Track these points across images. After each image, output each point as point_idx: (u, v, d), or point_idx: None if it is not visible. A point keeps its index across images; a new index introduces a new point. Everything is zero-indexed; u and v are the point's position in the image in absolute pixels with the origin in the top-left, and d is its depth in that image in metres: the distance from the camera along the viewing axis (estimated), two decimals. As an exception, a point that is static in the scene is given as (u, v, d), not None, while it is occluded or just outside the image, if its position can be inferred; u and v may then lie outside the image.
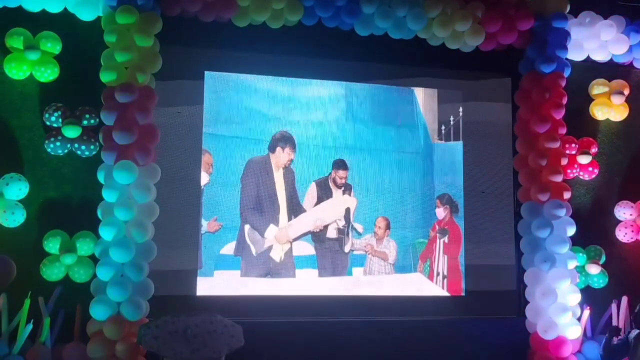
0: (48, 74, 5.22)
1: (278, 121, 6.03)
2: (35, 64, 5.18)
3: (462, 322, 6.09)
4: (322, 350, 5.53)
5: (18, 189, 5.02)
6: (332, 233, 6.06)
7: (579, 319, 5.91)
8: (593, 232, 6.38)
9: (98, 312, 4.93)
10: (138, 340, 4.66)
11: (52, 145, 5.17)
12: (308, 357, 5.48)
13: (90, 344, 4.92)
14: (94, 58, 5.23)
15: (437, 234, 6.26)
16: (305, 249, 6.00)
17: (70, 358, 4.92)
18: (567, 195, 5.98)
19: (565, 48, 6.13)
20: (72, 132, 5.13)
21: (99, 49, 5.23)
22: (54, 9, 5.26)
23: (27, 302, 4.88)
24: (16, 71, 5.17)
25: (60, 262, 5.03)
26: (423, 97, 6.39)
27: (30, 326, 4.84)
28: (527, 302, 6.02)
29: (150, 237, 5.14)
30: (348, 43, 6.00)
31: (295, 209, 6.00)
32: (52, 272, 5.03)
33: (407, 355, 5.76)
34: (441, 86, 6.40)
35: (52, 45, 5.23)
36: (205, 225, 5.73)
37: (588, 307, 6.03)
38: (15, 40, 5.13)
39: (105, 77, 5.13)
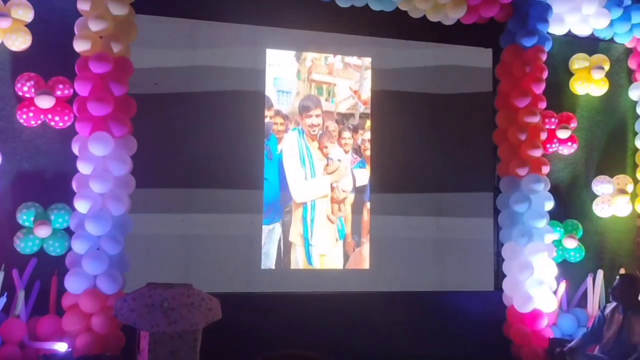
0: (19, 42, 5.08)
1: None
2: (6, 32, 5.03)
3: (440, 295, 6.13)
4: (301, 322, 5.53)
5: (-10, 160, 4.93)
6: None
7: (555, 292, 5.98)
8: (571, 206, 6.43)
9: (74, 285, 4.88)
10: (114, 314, 4.63)
11: (24, 116, 5.06)
12: (287, 330, 5.48)
13: (65, 317, 4.88)
14: (67, 26, 5.10)
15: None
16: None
17: (45, 331, 4.88)
18: (545, 169, 6.01)
19: (546, 21, 6.10)
20: (45, 102, 5.02)
21: (72, 17, 5.09)
22: (25, -25, 5.12)
23: (1, 275, 4.82)
24: (-14, 39, 5.04)
25: (35, 235, 4.96)
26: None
27: (4, 299, 4.80)
28: (504, 276, 6.07)
29: (126, 210, 5.08)
30: (329, 14, 5.90)
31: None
32: (26, 245, 4.96)
33: (387, 327, 5.80)
34: (422, 60, 6.35)
35: (24, 12, 5.07)
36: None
37: (564, 281, 6.10)
38: (-15, 8, 4.98)
39: (79, 46, 5.01)
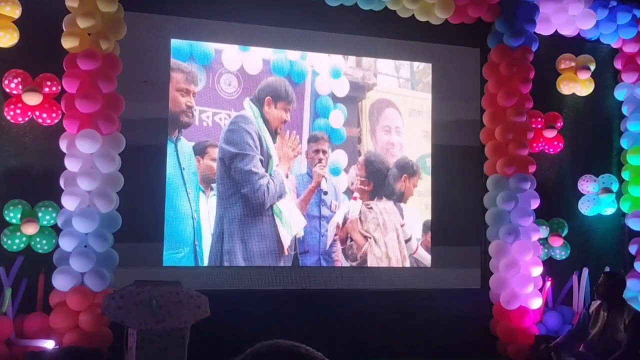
0: (7, 39, 5.05)
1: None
2: (-7, 29, 5.01)
3: (428, 293, 6.16)
4: (289, 319, 5.52)
5: (-23, 157, 4.89)
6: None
7: (540, 290, 6.03)
8: (557, 205, 6.48)
9: (61, 282, 4.87)
10: (102, 311, 4.62)
11: (12, 113, 5.03)
12: (275, 327, 5.46)
13: (53, 315, 4.86)
14: (56, 23, 5.07)
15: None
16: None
17: (32, 328, 4.85)
18: (532, 168, 6.05)
19: (533, 22, 6.14)
20: (32, 99, 4.99)
21: (60, 13, 5.07)
22: (13, -29, 5.08)
23: (-12, 273, 4.81)
24: (-27, 36, 4.99)
25: (22, 232, 4.93)
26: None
27: (-9, 297, 4.78)
28: (491, 274, 6.11)
29: (114, 207, 5.06)
30: (318, 13, 5.92)
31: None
32: (13, 242, 4.94)
33: (376, 324, 5.83)
34: (410, 58, 6.39)
35: (11, 9, 5.05)
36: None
37: (550, 279, 6.16)
38: (-28, 4, 4.94)
39: (67, 43, 4.99)
